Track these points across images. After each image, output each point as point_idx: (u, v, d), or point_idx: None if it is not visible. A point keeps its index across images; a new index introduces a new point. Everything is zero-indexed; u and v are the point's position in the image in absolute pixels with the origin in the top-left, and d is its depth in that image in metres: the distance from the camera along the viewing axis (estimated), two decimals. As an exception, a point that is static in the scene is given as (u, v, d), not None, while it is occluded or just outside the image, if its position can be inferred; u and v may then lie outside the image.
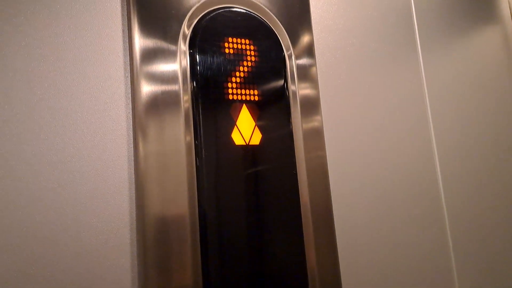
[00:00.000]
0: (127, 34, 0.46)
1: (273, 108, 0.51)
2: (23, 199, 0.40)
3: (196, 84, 0.46)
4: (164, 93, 0.46)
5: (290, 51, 0.54)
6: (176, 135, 0.45)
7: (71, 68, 0.44)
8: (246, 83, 0.49)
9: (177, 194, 0.44)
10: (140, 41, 0.45)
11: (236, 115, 0.48)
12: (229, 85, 0.48)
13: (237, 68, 0.49)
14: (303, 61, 0.55)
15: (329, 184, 0.55)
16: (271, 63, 0.51)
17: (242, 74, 0.49)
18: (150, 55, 0.46)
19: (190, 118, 0.46)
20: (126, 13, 0.47)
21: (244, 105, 0.49)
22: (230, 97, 0.48)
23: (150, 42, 0.46)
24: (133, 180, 0.44)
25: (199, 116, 0.46)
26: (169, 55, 0.46)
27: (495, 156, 0.78)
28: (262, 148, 0.49)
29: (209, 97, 0.47)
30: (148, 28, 0.46)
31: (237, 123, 0.48)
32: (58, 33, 0.44)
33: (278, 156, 0.50)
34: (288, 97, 0.52)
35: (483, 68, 0.81)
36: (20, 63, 0.42)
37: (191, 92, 0.46)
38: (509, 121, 0.81)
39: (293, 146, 0.51)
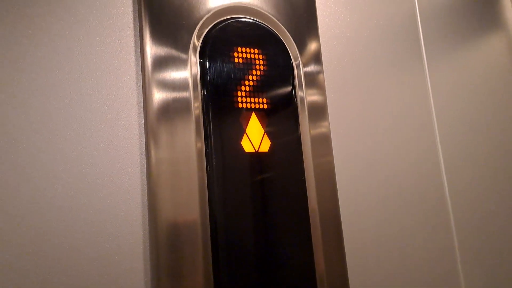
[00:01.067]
0: (139, 45, 0.48)
1: (282, 115, 0.52)
2: (39, 206, 0.41)
3: (206, 92, 0.47)
4: (175, 101, 0.47)
5: (298, 59, 0.55)
6: (187, 141, 0.46)
7: (85, 78, 0.45)
8: (255, 91, 0.50)
9: (188, 199, 0.45)
10: (152, 51, 0.47)
11: (246, 123, 0.49)
12: (239, 93, 0.49)
13: (246, 76, 0.50)
14: (311, 68, 0.56)
15: (336, 189, 0.56)
16: (279, 71, 0.52)
17: (251, 83, 0.50)
18: (161, 65, 0.47)
19: (201, 125, 0.47)
20: (138, 25, 0.48)
21: (253, 113, 0.50)
22: (240, 105, 0.49)
23: (162, 52, 0.47)
24: (146, 186, 0.45)
25: (209, 123, 0.47)
26: (180, 64, 0.48)
27: (500, 161, 0.78)
28: (271, 155, 0.50)
29: (219, 105, 0.48)
30: (159, 39, 0.47)
31: (247, 130, 0.49)
32: (72, 45, 0.45)
33: (287, 163, 0.51)
34: (296, 104, 0.53)
35: (488, 74, 0.81)
36: (35, 74, 0.43)
37: (201, 100, 0.47)
38: (509, 118, 0.82)
39: (301, 152, 0.52)
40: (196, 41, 0.49)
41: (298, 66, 0.55)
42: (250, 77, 0.50)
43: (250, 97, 0.50)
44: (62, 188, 0.42)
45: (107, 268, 0.43)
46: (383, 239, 0.60)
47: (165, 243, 0.44)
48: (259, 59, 0.51)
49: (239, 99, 0.49)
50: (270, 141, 0.50)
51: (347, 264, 0.55)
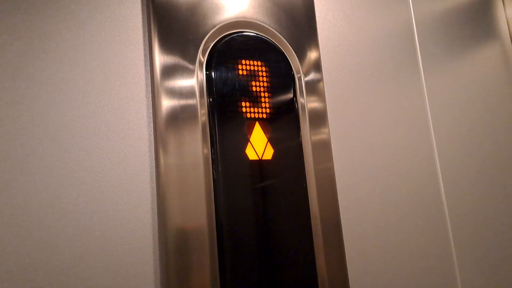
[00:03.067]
0: (148, 58, 0.50)
1: (284, 123, 0.54)
2: (54, 210, 0.43)
3: (212, 101, 0.50)
4: (182, 108, 0.49)
5: (299, 70, 0.57)
6: (194, 148, 0.49)
7: (98, 90, 0.48)
8: (258, 101, 0.52)
9: (196, 205, 0.48)
10: (160, 64, 0.49)
11: (250, 131, 0.51)
12: (243, 103, 0.52)
13: (249, 87, 0.52)
14: (311, 77, 0.59)
15: (337, 195, 0.58)
16: (281, 82, 0.55)
17: (254, 93, 0.52)
18: (170, 77, 0.49)
19: (207, 132, 0.49)
20: (148, 40, 0.51)
21: (256, 122, 0.52)
22: (244, 114, 0.51)
23: (170, 65, 0.50)
24: (155, 192, 0.48)
25: (215, 132, 0.49)
26: (188, 75, 0.50)
27: (495, 167, 0.80)
28: (274, 162, 0.52)
29: (224, 115, 0.50)
30: (168, 53, 0.50)
31: (251, 139, 0.51)
32: (86, 59, 0.48)
33: (289, 169, 0.53)
34: (298, 111, 0.56)
35: (483, 83, 0.84)
36: (51, 86, 0.46)
37: (207, 107, 0.50)
38: (508, 133, 0.84)
39: (303, 158, 0.55)
40: (201, 56, 0.51)
41: (299, 76, 0.57)
42: (254, 88, 0.53)
43: (253, 107, 0.52)
44: (76, 196, 0.45)
45: (119, 272, 0.45)
46: (382, 243, 0.62)
47: (174, 247, 0.46)
48: (262, 71, 0.53)
49: (243, 109, 0.51)
50: (273, 149, 0.52)
51: (348, 268, 0.57)
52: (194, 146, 0.49)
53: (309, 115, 0.57)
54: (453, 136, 0.75)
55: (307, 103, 0.58)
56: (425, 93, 0.73)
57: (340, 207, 0.58)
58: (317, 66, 0.60)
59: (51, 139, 0.45)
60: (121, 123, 0.48)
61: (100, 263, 0.44)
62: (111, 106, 0.48)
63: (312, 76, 0.59)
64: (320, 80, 0.60)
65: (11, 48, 0.45)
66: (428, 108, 0.73)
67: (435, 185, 0.70)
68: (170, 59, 0.50)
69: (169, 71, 0.50)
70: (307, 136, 0.56)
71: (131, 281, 0.45)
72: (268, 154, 0.52)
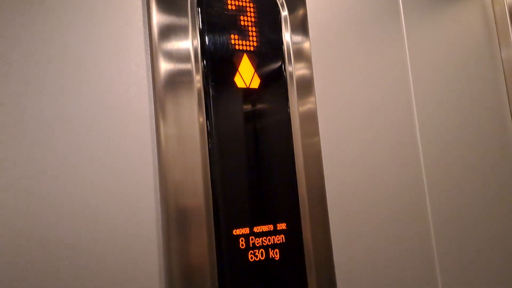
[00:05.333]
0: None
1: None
2: (61, 188, 0.46)
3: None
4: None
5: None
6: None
7: (100, 59, 0.51)
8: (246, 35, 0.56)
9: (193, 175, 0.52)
10: (158, 17, 0.53)
11: (238, 62, 0.56)
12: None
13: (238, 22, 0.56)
14: (296, 16, 0.63)
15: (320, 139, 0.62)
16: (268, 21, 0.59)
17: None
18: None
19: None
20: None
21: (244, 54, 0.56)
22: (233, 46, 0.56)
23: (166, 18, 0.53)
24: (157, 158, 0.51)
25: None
26: (181, 14, 0.54)
27: (475, 132, 0.84)
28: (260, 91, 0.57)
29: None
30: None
31: (239, 69, 0.56)
32: (90, 30, 0.51)
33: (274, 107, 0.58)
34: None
35: (463, 37, 0.88)
36: (43, 51, 0.49)
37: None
38: (487, 88, 0.88)
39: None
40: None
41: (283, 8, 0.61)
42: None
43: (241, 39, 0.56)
44: (82, 181, 0.47)
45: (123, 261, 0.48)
46: (365, 215, 0.66)
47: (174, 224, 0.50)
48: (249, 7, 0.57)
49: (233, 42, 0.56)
50: (260, 79, 0.57)
51: (331, 234, 0.60)
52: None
53: (293, 51, 0.61)
54: (433, 95, 0.79)
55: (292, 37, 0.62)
56: (407, 51, 0.76)
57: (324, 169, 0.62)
58: (302, 4, 0.64)
59: (48, 109, 0.47)
60: (120, 119, 0.50)
61: (104, 259, 0.47)
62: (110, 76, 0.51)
63: (296, 13, 0.63)
64: (304, 12, 0.63)
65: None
66: (409, 67, 0.76)
67: (416, 159, 0.73)
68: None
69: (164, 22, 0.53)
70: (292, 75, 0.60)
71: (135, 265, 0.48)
72: (255, 83, 0.56)
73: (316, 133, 0.61)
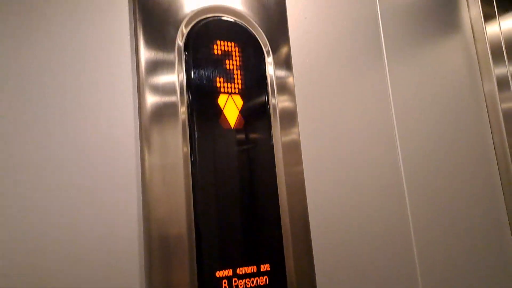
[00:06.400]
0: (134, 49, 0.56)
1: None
2: (38, 216, 0.46)
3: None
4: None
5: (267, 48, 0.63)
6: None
7: (86, 87, 0.52)
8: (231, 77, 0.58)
9: (175, 200, 0.53)
10: (145, 54, 0.55)
11: (223, 104, 0.57)
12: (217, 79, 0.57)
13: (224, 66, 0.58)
14: (280, 55, 0.65)
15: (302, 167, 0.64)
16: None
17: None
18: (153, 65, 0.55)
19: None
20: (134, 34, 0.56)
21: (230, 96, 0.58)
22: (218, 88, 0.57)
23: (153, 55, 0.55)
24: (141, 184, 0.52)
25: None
26: (169, 56, 0.56)
27: (456, 158, 0.86)
28: (244, 131, 0.58)
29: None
30: (152, 40, 0.55)
31: (224, 110, 0.57)
32: (77, 52, 0.53)
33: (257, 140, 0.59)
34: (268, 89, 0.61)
35: (445, 75, 0.90)
36: (40, 77, 0.50)
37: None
38: (467, 122, 0.90)
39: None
40: (184, 29, 0.57)
41: (268, 51, 0.63)
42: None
43: (227, 82, 0.58)
44: (65, 192, 0.48)
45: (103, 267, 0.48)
46: (350, 248, 0.66)
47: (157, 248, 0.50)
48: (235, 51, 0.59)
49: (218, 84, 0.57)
50: (244, 119, 0.58)
51: (316, 272, 0.61)
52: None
53: (277, 86, 0.63)
54: (415, 124, 0.80)
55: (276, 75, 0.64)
56: (389, 84, 0.79)
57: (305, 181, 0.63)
58: (285, 41, 0.66)
59: (35, 137, 0.48)
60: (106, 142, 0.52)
61: (86, 246, 0.47)
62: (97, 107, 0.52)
63: (280, 51, 0.65)
64: (288, 51, 0.65)
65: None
66: (391, 101, 0.78)
67: (397, 180, 0.75)
68: (153, 48, 0.55)
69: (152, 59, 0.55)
70: (276, 109, 0.62)
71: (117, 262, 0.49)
72: (240, 123, 0.58)
73: (299, 163, 0.62)
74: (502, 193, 0.88)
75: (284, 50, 0.66)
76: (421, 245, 0.74)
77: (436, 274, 0.74)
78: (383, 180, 0.73)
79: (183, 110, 0.55)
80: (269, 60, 0.63)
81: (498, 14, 1.01)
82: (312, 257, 0.60)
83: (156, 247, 0.50)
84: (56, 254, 0.46)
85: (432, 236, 0.76)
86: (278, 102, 0.62)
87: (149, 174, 0.51)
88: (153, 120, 0.53)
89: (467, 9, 1.01)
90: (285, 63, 0.65)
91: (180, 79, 0.55)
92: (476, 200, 0.84)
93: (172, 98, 0.55)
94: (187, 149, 0.54)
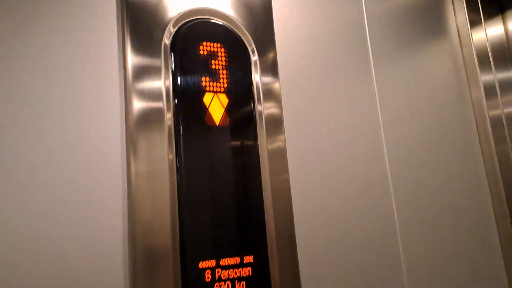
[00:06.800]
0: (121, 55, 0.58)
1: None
2: (27, 220, 0.48)
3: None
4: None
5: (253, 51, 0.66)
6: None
7: (74, 91, 0.54)
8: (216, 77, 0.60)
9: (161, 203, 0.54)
10: (132, 55, 0.57)
11: (208, 102, 0.59)
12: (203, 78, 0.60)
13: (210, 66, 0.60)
14: (266, 59, 0.67)
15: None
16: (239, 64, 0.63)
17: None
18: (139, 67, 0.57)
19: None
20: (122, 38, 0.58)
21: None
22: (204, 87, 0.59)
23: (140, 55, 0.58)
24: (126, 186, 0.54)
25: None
26: (155, 57, 0.58)
27: (443, 159, 0.87)
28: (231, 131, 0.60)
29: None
30: (139, 41, 0.58)
31: (209, 109, 0.59)
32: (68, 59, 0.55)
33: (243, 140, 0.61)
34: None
35: (431, 80, 0.92)
36: (32, 81, 0.53)
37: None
38: (453, 124, 0.92)
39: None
40: (171, 29, 0.60)
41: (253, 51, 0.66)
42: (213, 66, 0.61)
43: (213, 81, 0.60)
44: (52, 197, 0.49)
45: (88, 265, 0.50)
46: (335, 251, 0.67)
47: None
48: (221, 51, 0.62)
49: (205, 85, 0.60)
50: (229, 118, 0.60)
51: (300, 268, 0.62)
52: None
53: (263, 90, 0.65)
54: (400, 126, 0.82)
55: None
56: (376, 90, 0.80)
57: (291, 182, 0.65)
58: (269, 42, 0.68)
59: (23, 141, 0.49)
60: (93, 135, 0.54)
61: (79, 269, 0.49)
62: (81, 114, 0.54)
63: (264, 51, 0.67)
64: (273, 54, 0.67)
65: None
66: (378, 107, 0.79)
67: (385, 183, 0.76)
68: (140, 53, 0.58)
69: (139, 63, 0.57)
70: (262, 111, 0.64)
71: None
72: (225, 121, 0.60)
73: (285, 169, 0.64)
74: (489, 190, 0.90)
75: (270, 51, 0.68)
76: (407, 242, 0.75)
77: (422, 270, 0.75)
78: (369, 184, 0.74)
79: (169, 116, 0.57)
80: (254, 59, 0.65)
81: (484, 20, 1.03)
82: (296, 250, 0.61)
83: (141, 246, 0.51)
84: (41, 262, 0.47)
85: (418, 234, 0.77)
86: (264, 108, 0.64)
87: (134, 180, 0.53)
88: (139, 127, 0.55)
89: (453, 15, 1.03)
90: (271, 63, 0.67)
91: (166, 80, 0.58)
92: (461, 197, 0.85)
93: (159, 104, 0.57)
94: (172, 155, 0.55)
